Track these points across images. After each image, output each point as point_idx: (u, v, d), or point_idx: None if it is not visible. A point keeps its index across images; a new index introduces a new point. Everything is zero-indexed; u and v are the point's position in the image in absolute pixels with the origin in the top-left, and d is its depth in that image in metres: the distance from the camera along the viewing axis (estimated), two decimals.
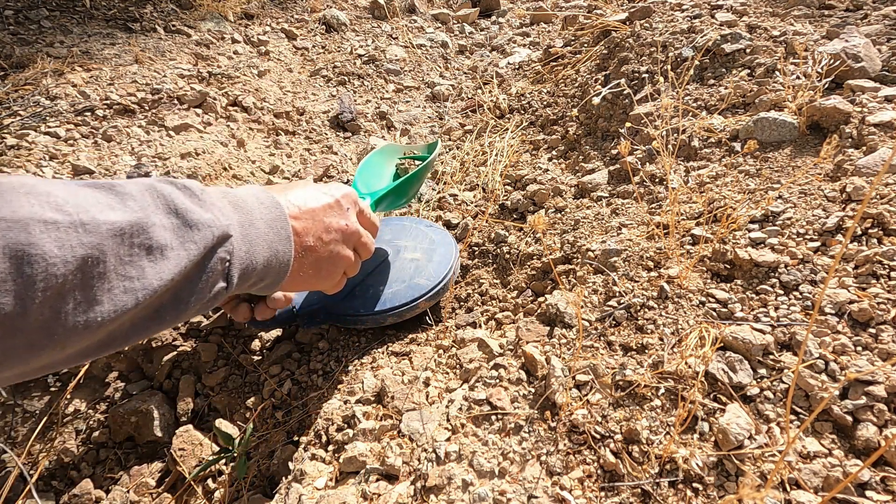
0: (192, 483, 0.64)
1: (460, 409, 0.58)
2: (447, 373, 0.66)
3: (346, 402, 0.64)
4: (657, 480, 0.46)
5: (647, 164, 0.91)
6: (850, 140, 0.73)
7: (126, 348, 0.38)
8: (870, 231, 0.59)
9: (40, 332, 0.28)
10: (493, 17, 2.55)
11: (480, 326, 0.78)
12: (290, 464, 0.61)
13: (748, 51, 0.98)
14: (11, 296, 0.26)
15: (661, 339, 0.57)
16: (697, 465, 0.46)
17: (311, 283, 0.53)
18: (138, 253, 0.31)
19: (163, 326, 0.35)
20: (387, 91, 1.80)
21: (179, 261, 0.33)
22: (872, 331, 0.51)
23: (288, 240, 0.45)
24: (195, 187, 0.38)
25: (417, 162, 0.98)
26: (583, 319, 0.64)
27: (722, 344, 0.54)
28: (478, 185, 1.20)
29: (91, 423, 0.76)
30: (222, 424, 0.70)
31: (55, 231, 0.27)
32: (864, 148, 0.70)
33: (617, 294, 0.65)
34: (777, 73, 0.89)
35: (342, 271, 0.56)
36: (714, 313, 0.59)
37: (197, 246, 0.34)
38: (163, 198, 0.34)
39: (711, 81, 0.98)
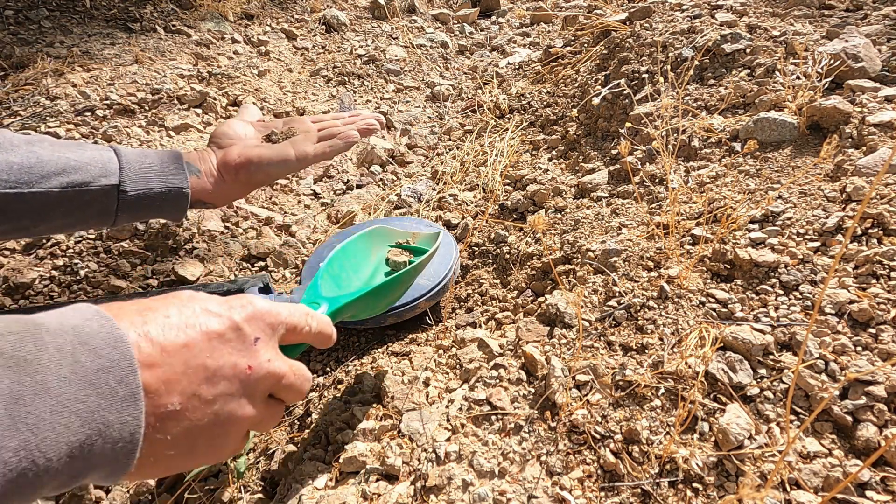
0: (192, 483, 0.64)
1: (460, 409, 0.58)
2: (447, 373, 0.66)
3: (346, 402, 0.64)
4: (657, 480, 0.46)
5: (647, 164, 0.91)
6: (850, 140, 0.73)
7: None
8: (870, 231, 0.59)
9: None
10: (493, 17, 2.55)
11: (480, 326, 0.78)
12: (289, 464, 0.61)
13: (748, 51, 0.98)
14: None
15: (661, 339, 0.57)
16: (697, 465, 0.46)
17: (181, 462, 0.32)
18: None
19: None
20: (387, 91, 1.80)
21: None
22: (872, 331, 0.51)
23: (133, 401, 0.26)
24: None
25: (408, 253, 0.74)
26: (583, 319, 0.64)
27: (722, 344, 0.54)
28: (478, 185, 1.20)
29: None
30: None
31: None
32: (864, 148, 0.70)
33: (617, 294, 0.65)
34: (777, 73, 0.89)
35: (243, 433, 0.36)
36: (714, 313, 0.59)
37: None
38: None
39: (711, 81, 0.98)
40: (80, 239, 0.94)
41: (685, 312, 0.60)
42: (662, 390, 0.52)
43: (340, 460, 0.55)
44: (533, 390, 0.58)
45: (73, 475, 0.25)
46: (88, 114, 1.24)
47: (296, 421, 0.70)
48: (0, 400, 0.22)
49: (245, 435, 0.37)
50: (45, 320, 0.26)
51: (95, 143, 1.18)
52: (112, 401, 0.26)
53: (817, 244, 0.61)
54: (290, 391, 0.39)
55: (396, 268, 0.70)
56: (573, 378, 0.56)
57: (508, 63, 1.90)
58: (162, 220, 0.96)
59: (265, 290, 0.75)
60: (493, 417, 0.56)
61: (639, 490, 0.46)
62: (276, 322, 0.38)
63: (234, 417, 0.33)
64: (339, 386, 0.69)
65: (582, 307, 0.66)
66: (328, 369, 0.75)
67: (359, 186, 1.32)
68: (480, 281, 0.90)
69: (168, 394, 0.29)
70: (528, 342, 0.64)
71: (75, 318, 0.27)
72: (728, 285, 0.62)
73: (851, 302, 0.53)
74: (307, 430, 0.65)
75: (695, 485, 0.45)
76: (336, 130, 0.72)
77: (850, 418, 0.45)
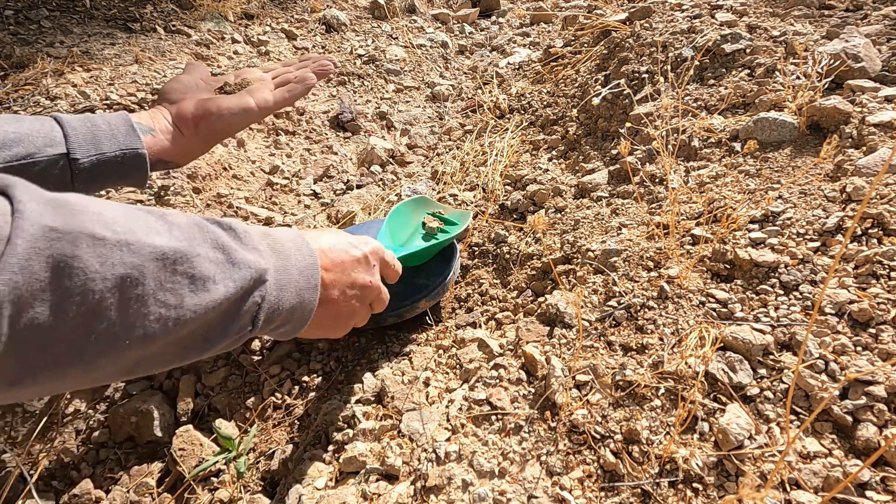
0: (192, 483, 0.64)
1: (460, 409, 0.58)
2: (447, 373, 0.66)
3: (346, 402, 0.64)
4: (657, 480, 0.46)
5: (647, 164, 0.91)
6: (850, 140, 0.73)
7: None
8: (870, 231, 0.59)
9: (69, 349, 0.27)
10: (493, 17, 2.55)
11: (480, 326, 0.78)
12: (289, 464, 0.61)
13: (748, 51, 0.98)
14: (47, 306, 0.25)
15: (661, 339, 0.57)
16: (697, 465, 0.46)
17: (324, 331, 0.52)
18: (180, 281, 0.31)
19: (184, 361, 0.35)
20: (387, 91, 1.80)
21: (218, 295, 0.33)
22: (872, 331, 0.51)
23: (315, 289, 0.45)
24: (239, 228, 0.38)
25: (442, 223, 0.92)
26: (583, 319, 0.64)
27: (722, 344, 0.54)
28: (478, 185, 1.20)
29: (91, 423, 0.76)
30: (222, 424, 0.70)
31: (101, 247, 0.27)
32: (864, 148, 0.70)
33: (617, 294, 0.65)
34: (777, 73, 0.89)
35: (353, 323, 0.56)
36: (714, 313, 0.59)
37: (236, 284, 0.34)
38: (210, 233, 0.35)
39: (711, 81, 0.98)
40: None
41: (685, 312, 0.60)
42: (662, 390, 0.52)
43: (340, 460, 0.55)
44: (533, 390, 0.58)
45: (282, 323, 0.42)
46: (88, 114, 1.24)
47: (296, 421, 0.70)
48: (273, 269, 0.39)
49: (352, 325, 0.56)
50: (279, 233, 0.44)
51: None
52: (309, 285, 0.44)
53: (817, 244, 0.61)
54: (380, 302, 0.58)
55: (430, 231, 0.87)
56: (573, 378, 0.56)
57: (508, 63, 1.90)
58: (127, 188, 0.96)
59: None
60: (493, 417, 0.56)
61: (639, 490, 0.46)
62: (382, 255, 0.58)
63: (357, 310, 0.54)
64: (339, 386, 0.69)
65: (582, 307, 0.66)
66: (328, 369, 0.75)
67: (359, 186, 1.32)
68: (480, 281, 0.90)
69: (332, 288, 0.49)
70: (528, 342, 0.64)
71: (289, 234, 0.45)
72: (728, 285, 0.62)
73: (851, 302, 0.53)
74: (307, 430, 0.65)
75: (695, 485, 0.45)
76: (291, 76, 0.70)
77: (850, 418, 0.45)
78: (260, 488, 0.63)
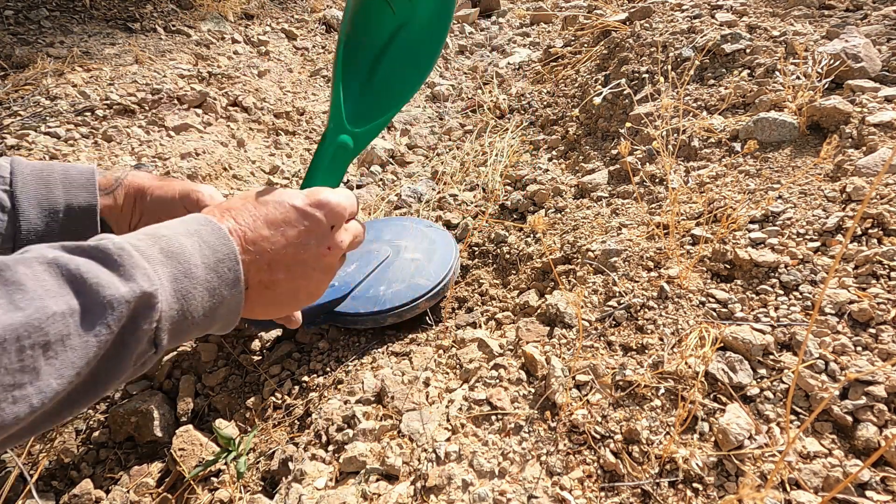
0: (192, 483, 0.64)
1: (460, 409, 0.58)
2: (447, 373, 0.66)
3: (346, 402, 0.64)
4: (657, 480, 0.46)
5: (647, 164, 0.91)
6: (850, 140, 0.73)
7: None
8: (870, 231, 0.59)
9: None
10: (493, 18, 2.55)
11: (480, 326, 0.78)
12: (290, 464, 0.61)
13: (748, 51, 0.98)
14: None
15: (661, 339, 0.57)
16: (697, 465, 0.46)
17: (275, 311, 0.46)
18: (31, 355, 0.27)
19: (82, 408, 0.32)
20: None
21: (87, 349, 0.29)
22: (872, 331, 0.51)
23: (237, 282, 0.38)
24: (113, 248, 0.32)
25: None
26: (583, 319, 0.64)
27: (722, 344, 0.54)
28: (478, 185, 1.20)
29: (91, 423, 0.76)
30: (222, 424, 0.70)
31: None
32: (864, 148, 0.70)
33: (617, 294, 0.65)
34: (777, 73, 0.89)
35: (313, 292, 0.48)
36: (714, 313, 0.59)
37: (109, 328, 0.30)
38: (67, 274, 0.30)
39: (711, 81, 0.98)
40: None
41: (685, 312, 0.60)
42: (662, 390, 0.52)
43: (340, 460, 0.55)
44: (533, 390, 0.58)
45: (204, 328, 0.38)
46: (88, 114, 1.24)
47: (296, 421, 0.70)
48: (168, 279, 0.34)
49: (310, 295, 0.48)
50: (177, 229, 0.37)
51: (96, 143, 1.18)
52: (225, 281, 0.38)
53: (817, 244, 0.61)
54: (346, 249, 0.48)
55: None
56: (573, 378, 0.56)
57: (508, 63, 1.90)
58: None
59: None
60: (493, 417, 0.56)
61: (639, 490, 0.46)
62: (342, 210, 0.47)
63: (311, 282, 0.46)
64: (339, 386, 0.69)
65: (582, 307, 0.66)
66: (328, 369, 0.75)
67: (359, 186, 1.32)
68: (480, 281, 0.90)
69: (267, 271, 0.42)
70: (528, 342, 0.64)
71: (195, 224, 0.38)
72: (728, 285, 0.62)
73: (851, 302, 0.53)
74: (307, 430, 0.65)
75: (695, 485, 0.45)
76: None
77: (850, 418, 0.45)
78: (260, 488, 0.63)
